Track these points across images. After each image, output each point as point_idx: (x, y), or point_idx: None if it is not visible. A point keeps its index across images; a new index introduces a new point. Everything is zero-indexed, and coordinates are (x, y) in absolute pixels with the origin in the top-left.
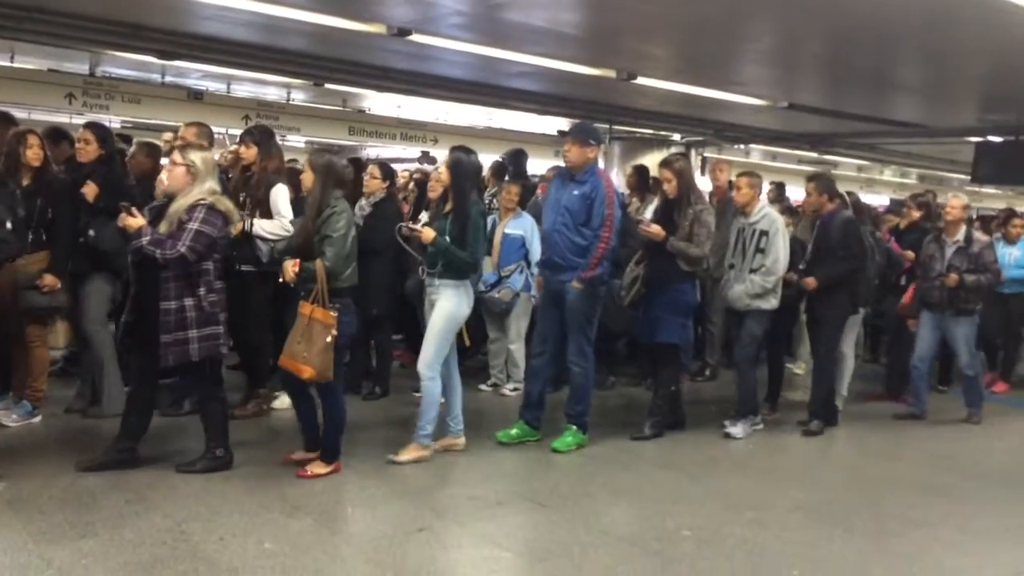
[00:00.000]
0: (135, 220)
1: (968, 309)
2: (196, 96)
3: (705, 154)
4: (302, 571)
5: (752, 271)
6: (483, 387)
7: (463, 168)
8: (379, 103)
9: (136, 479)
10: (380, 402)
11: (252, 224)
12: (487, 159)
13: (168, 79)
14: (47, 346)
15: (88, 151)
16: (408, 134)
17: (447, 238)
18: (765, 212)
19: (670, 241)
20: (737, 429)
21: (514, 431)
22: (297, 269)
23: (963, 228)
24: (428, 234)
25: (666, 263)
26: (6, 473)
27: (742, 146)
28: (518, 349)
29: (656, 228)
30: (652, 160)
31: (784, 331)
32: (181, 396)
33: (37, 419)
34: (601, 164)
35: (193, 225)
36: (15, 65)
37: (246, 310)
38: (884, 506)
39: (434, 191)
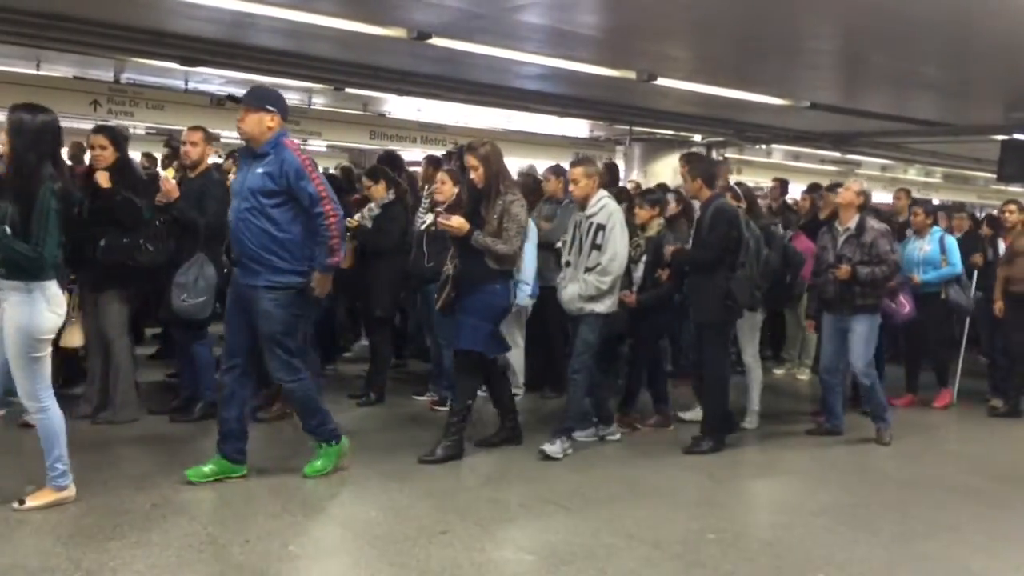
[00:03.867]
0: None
1: (865, 306)
2: (218, 102)
3: (726, 154)
4: (327, 574)
5: (587, 270)
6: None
7: (26, 132)
8: (399, 107)
9: (161, 483)
10: (390, 406)
11: None
12: (508, 163)
13: (191, 85)
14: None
15: (105, 156)
16: (428, 137)
17: (6, 227)
18: (603, 204)
19: (474, 236)
20: (555, 447)
21: (208, 468)
22: None
23: (855, 215)
24: (463, 225)
25: (474, 261)
26: (32, 477)
27: (763, 146)
28: (516, 356)
29: (457, 220)
30: (672, 162)
31: (655, 333)
32: (191, 402)
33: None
34: (619, 164)
35: None
36: (41, 73)
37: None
38: (910, 509)
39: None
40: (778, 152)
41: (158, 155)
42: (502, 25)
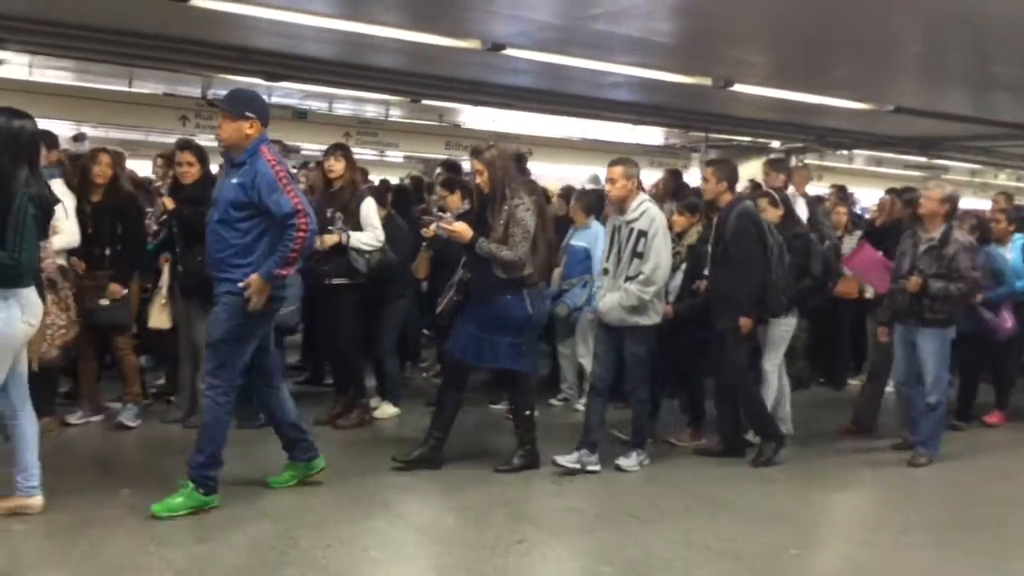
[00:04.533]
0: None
1: (935, 320)
2: (300, 115)
3: (806, 160)
4: None
5: (628, 279)
6: (554, 401)
7: (2, 136)
8: (474, 117)
9: (244, 487)
10: (465, 413)
11: (349, 237)
12: (583, 171)
13: (274, 99)
14: (134, 353)
15: (192, 172)
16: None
17: None
18: (644, 209)
19: (479, 243)
20: (630, 461)
21: (287, 475)
22: None
23: (941, 225)
24: (465, 231)
25: (483, 270)
26: (126, 480)
27: (845, 152)
28: (588, 363)
29: (460, 226)
30: (751, 169)
31: (693, 346)
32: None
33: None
34: (696, 171)
35: None
36: (133, 90)
37: (337, 322)
38: (1005, 527)
39: None
40: (860, 158)
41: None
42: (576, 35)
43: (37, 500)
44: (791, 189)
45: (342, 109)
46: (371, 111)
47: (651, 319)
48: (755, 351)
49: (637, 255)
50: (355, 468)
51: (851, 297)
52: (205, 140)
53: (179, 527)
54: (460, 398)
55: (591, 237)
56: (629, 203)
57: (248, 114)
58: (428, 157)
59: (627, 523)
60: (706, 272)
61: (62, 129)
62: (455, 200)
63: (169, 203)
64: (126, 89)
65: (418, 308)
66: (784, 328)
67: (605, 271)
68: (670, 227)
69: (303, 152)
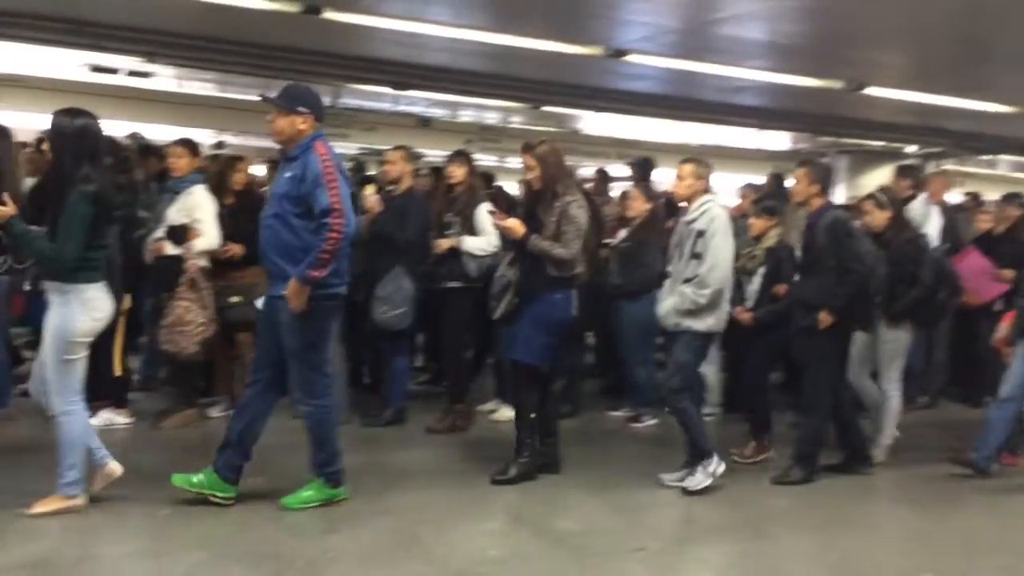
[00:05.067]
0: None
1: None
2: (424, 123)
3: (944, 167)
4: None
5: (686, 281)
6: (616, 413)
7: (65, 135)
8: (594, 123)
9: (371, 482)
10: (585, 420)
11: (463, 240)
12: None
13: (400, 107)
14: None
15: None
16: (624, 153)
17: (36, 228)
18: (705, 208)
19: (531, 240)
20: (694, 480)
21: (196, 478)
22: None
23: None
24: (517, 227)
25: (533, 268)
26: (260, 470)
27: (987, 157)
28: (711, 372)
29: (513, 222)
30: (883, 175)
31: (769, 354)
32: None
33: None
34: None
35: None
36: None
37: (448, 325)
38: None
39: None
40: (1003, 163)
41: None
42: (700, 39)
43: (78, 500)
44: (922, 196)
45: (465, 116)
46: (492, 118)
47: (705, 324)
48: (844, 363)
49: (695, 256)
50: (476, 469)
51: (976, 305)
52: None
53: (309, 518)
54: (535, 399)
55: None
56: (693, 202)
57: (301, 108)
58: None
59: (750, 536)
60: (796, 278)
61: (204, 137)
62: None
63: None
64: (260, 99)
65: None
66: (892, 342)
67: (668, 274)
68: (732, 227)
69: (426, 159)
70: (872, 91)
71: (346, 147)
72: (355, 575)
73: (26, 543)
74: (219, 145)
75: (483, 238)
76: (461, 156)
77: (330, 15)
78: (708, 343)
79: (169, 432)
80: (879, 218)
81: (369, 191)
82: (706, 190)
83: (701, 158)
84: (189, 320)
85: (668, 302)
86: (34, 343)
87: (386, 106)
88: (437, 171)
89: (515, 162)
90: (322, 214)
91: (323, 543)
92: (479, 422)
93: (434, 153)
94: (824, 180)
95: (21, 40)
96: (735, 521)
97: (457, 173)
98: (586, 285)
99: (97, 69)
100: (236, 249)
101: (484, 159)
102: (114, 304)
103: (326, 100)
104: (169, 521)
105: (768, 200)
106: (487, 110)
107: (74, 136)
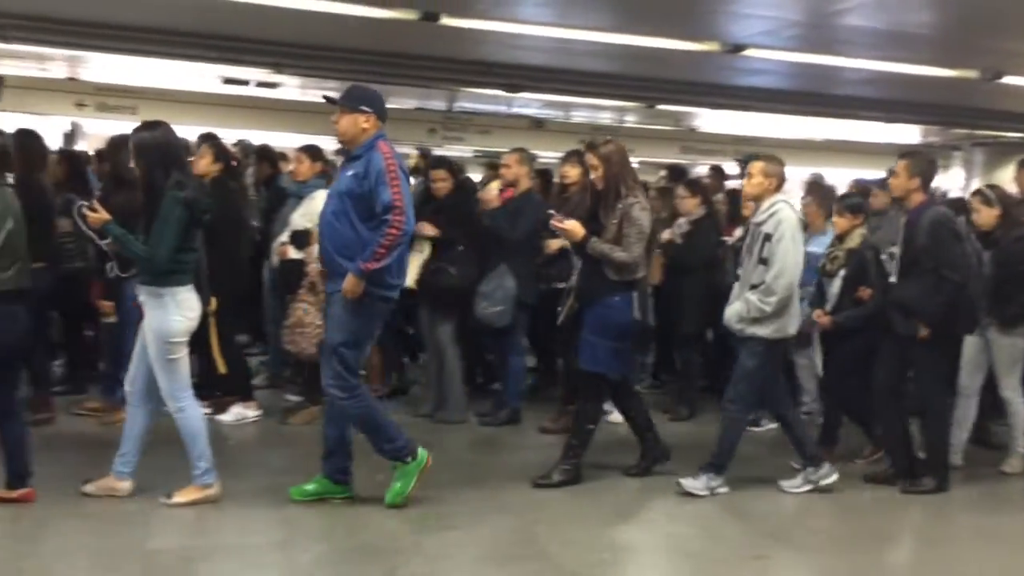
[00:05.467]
0: None
1: None
2: (537, 124)
3: None
4: None
5: (752, 287)
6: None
7: (147, 149)
8: (711, 120)
9: (489, 480)
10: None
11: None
12: (830, 175)
13: (513, 110)
14: (378, 350)
15: (445, 187)
16: (742, 150)
17: (135, 233)
18: (773, 210)
19: (590, 242)
20: (697, 483)
21: (311, 487)
22: None
23: None
24: (577, 229)
25: (593, 271)
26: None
27: None
28: (808, 371)
29: (572, 224)
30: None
31: (854, 360)
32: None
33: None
34: (959, 171)
35: None
36: (388, 106)
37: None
38: None
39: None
40: None
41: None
42: (823, 31)
43: (125, 484)
44: None
45: (578, 117)
46: (606, 118)
47: (771, 332)
48: (953, 370)
49: (762, 261)
50: (593, 473)
51: None
52: (450, 150)
53: (430, 514)
54: (636, 398)
55: (826, 243)
56: (763, 203)
57: (364, 108)
58: (663, 162)
59: (878, 548)
60: (892, 279)
61: (328, 144)
62: (691, 204)
63: (429, 229)
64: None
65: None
66: (1008, 348)
67: (737, 277)
68: (798, 226)
69: (540, 160)
70: (1010, 80)
71: (462, 150)
72: (472, 571)
73: (166, 531)
74: (340, 151)
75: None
76: (576, 156)
77: (447, 21)
78: (776, 349)
79: (296, 428)
80: (987, 216)
81: (494, 186)
82: (777, 189)
83: (773, 155)
84: (308, 322)
85: (734, 307)
86: None
87: (500, 109)
88: (543, 173)
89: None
90: (384, 210)
91: (442, 538)
92: None
93: (547, 155)
94: (925, 174)
95: (162, 56)
96: (861, 531)
97: (571, 173)
98: (703, 283)
99: (229, 81)
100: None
101: None
102: (202, 305)
103: (442, 105)
104: (296, 513)
105: (854, 196)
106: (601, 110)
107: (159, 147)
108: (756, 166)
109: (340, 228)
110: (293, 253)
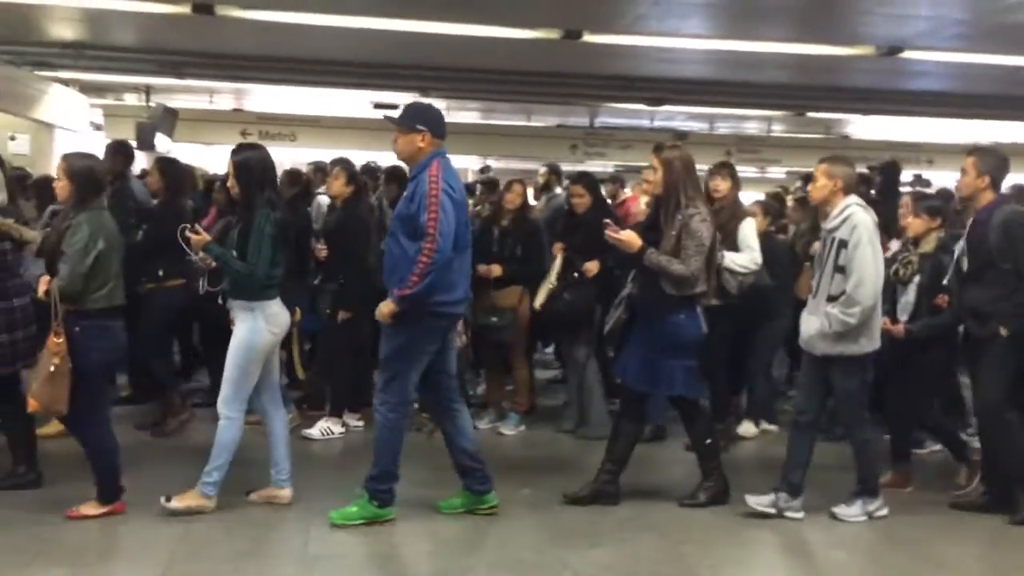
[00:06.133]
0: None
1: None
2: (680, 136)
3: None
4: None
5: (831, 299)
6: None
7: (250, 169)
8: (864, 127)
9: (634, 496)
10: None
11: (723, 256)
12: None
13: (656, 123)
14: (527, 367)
15: (583, 202)
16: (900, 157)
17: (234, 251)
18: (846, 214)
19: (647, 254)
20: (851, 510)
21: (457, 500)
22: (46, 288)
23: None
24: (633, 240)
25: (652, 285)
26: (526, 480)
27: None
28: None
29: (628, 234)
30: None
31: (930, 373)
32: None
33: (522, 428)
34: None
35: None
36: (530, 124)
37: (707, 345)
38: None
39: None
40: None
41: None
42: (990, 29)
43: (286, 492)
44: None
45: (723, 128)
46: (752, 128)
47: (862, 347)
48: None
49: (839, 269)
50: (738, 490)
51: None
52: (592, 166)
53: (575, 528)
54: (638, 430)
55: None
56: (832, 208)
57: (419, 127)
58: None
59: None
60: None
61: (471, 163)
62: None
63: (495, 269)
64: (524, 124)
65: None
66: None
67: (810, 289)
68: (875, 230)
69: None
70: None
71: (603, 165)
72: None
73: (324, 539)
74: (485, 170)
75: (746, 254)
76: (726, 168)
77: (589, 38)
78: (867, 363)
79: (434, 441)
80: None
81: (644, 201)
82: (846, 191)
83: (838, 155)
84: None
85: (811, 323)
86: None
87: (643, 123)
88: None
89: (776, 172)
90: (419, 236)
91: (586, 556)
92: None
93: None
94: (995, 171)
95: (318, 85)
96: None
97: (721, 187)
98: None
99: (379, 106)
100: (496, 269)
101: (743, 171)
102: (289, 317)
103: (583, 121)
104: (443, 526)
105: (934, 198)
106: (746, 120)
107: (259, 167)
108: (819, 168)
109: (391, 247)
110: None
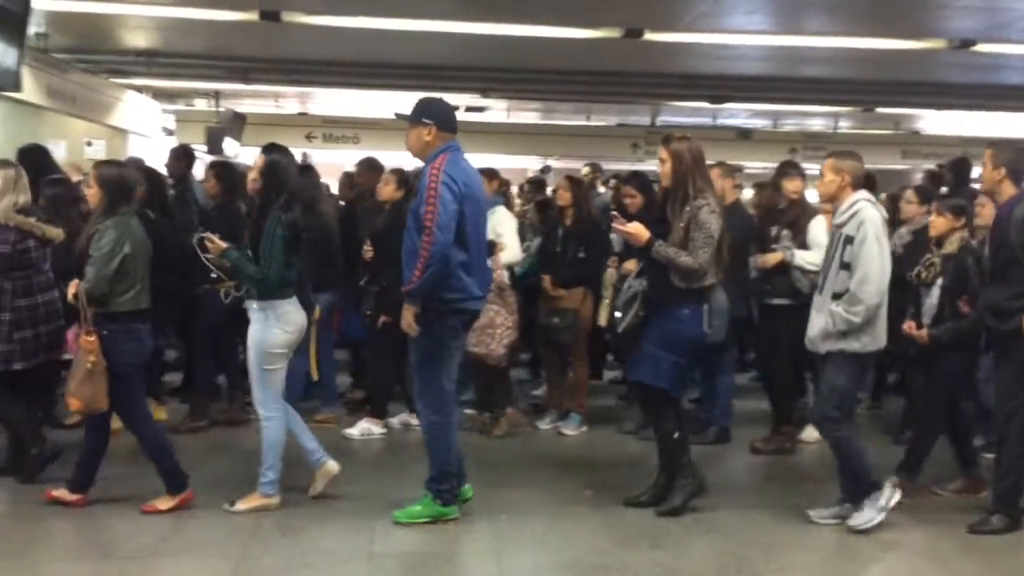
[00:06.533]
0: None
1: None
2: (744, 135)
3: None
4: None
5: (835, 296)
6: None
7: (276, 173)
8: (936, 122)
9: (698, 500)
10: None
11: (794, 255)
12: None
13: (719, 121)
14: (587, 366)
15: (634, 203)
16: (972, 152)
17: (248, 252)
18: (854, 210)
19: (655, 246)
20: (861, 516)
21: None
22: (75, 291)
23: None
24: (641, 232)
25: (660, 278)
26: (587, 481)
27: None
28: None
29: (635, 226)
30: None
31: (952, 379)
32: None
33: (583, 429)
34: None
35: None
36: (590, 123)
37: (773, 344)
38: None
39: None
40: None
41: None
42: None
43: (274, 500)
44: None
45: (788, 125)
46: (818, 124)
47: (864, 345)
48: None
49: (844, 266)
50: (800, 493)
51: None
52: (653, 165)
53: (637, 530)
54: (679, 428)
55: None
56: (840, 203)
57: (425, 120)
58: (882, 168)
59: None
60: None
61: (531, 163)
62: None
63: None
64: (584, 123)
65: None
66: None
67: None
68: (883, 226)
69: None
70: None
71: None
72: None
73: (388, 537)
74: (545, 170)
75: (816, 252)
76: (796, 169)
77: (651, 36)
78: (866, 364)
79: (495, 441)
80: None
81: None
82: (855, 186)
83: (846, 150)
84: (499, 323)
85: (816, 322)
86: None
87: (705, 121)
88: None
89: None
90: (420, 228)
91: (650, 557)
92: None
93: (755, 165)
94: (1012, 164)
95: (380, 88)
96: None
97: (796, 187)
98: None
99: None
100: (547, 281)
101: (809, 168)
102: (306, 316)
103: (644, 120)
104: (508, 527)
105: (955, 196)
106: (812, 117)
107: (284, 170)
108: (827, 163)
109: (406, 242)
110: None
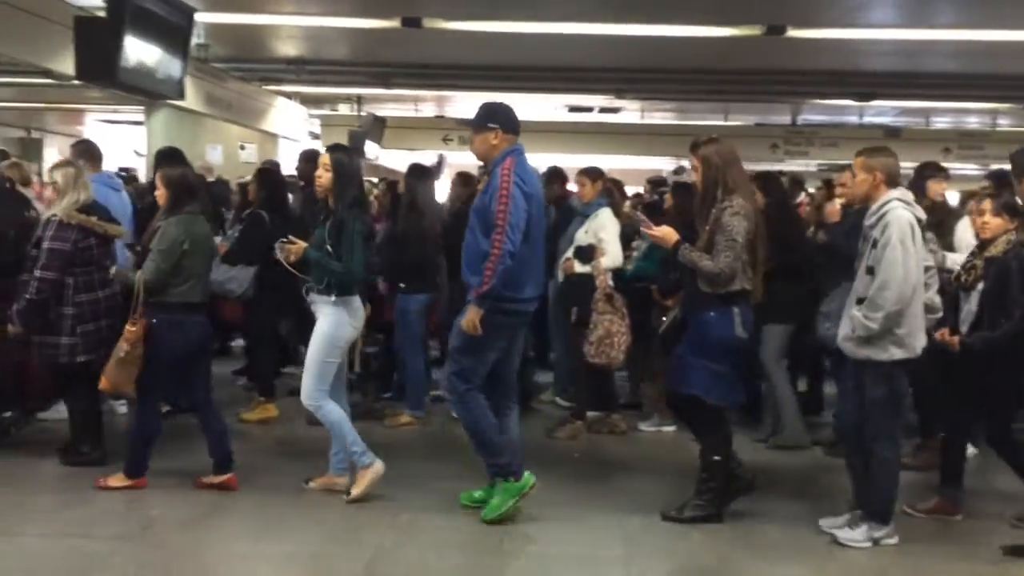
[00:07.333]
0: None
1: None
2: (892, 133)
3: None
4: None
5: (859, 301)
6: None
7: (344, 171)
8: None
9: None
10: None
11: (945, 257)
12: None
13: (865, 119)
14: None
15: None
16: None
17: (328, 247)
18: (883, 211)
19: (680, 250)
20: (855, 534)
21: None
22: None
23: None
24: (669, 235)
25: (692, 282)
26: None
27: None
28: None
29: (664, 230)
30: None
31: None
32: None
33: (670, 428)
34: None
35: (45, 244)
36: (728, 123)
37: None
38: None
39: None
40: None
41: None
42: None
43: (376, 467)
44: None
45: (940, 123)
46: (974, 122)
47: (891, 354)
48: None
49: (869, 270)
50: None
51: None
52: (794, 165)
53: (764, 542)
54: (721, 451)
55: None
56: (869, 203)
57: (491, 124)
58: None
59: None
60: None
61: (665, 164)
62: None
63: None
64: (721, 123)
65: None
66: None
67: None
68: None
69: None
70: None
71: (806, 164)
72: None
73: (517, 537)
74: (679, 171)
75: (964, 255)
76: (942, 172)
77: (793, 33)
78: (897, 372)
79: (606, 439)
80: None
81: (837, 201)
82: (889, 184)
83: (878, 147)
84: (614, 331)
85: (845, 324)
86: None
87: (851, 119)
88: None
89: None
90: (491, 229)
91: (773, 570)
92: None
93: (906, 165)
94: None
95: (517, 90)
96: None
97: (942, 189)
98: None
99: (574, 109)
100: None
101: (964, 168)
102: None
103: (784, 119)
104: (638, 531)
105: (1008, 196)
106: (967, 114)
107: (355, 168)
108: (856, 161)
109: (470, 242)
110: (579, 267)
